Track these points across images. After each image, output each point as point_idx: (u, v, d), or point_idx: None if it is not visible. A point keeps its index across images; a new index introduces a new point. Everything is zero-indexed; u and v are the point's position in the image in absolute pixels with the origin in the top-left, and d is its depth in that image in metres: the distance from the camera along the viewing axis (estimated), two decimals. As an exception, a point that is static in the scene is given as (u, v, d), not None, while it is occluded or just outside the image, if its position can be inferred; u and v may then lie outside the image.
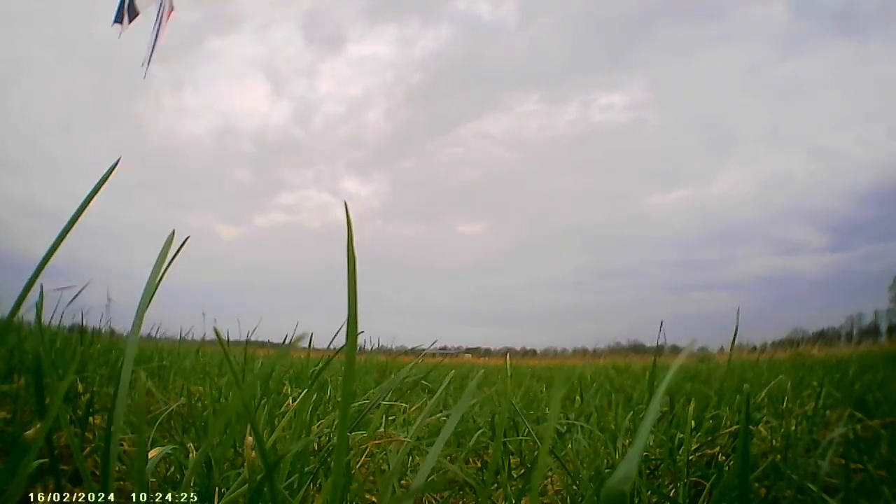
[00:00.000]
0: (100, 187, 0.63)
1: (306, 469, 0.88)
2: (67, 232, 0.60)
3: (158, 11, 7.29)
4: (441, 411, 1.54)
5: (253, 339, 2.15)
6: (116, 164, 0.65)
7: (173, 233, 0.72)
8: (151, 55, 7.25)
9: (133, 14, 7.21)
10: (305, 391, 1.13)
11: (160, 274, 0.69)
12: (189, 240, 0.74)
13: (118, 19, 7.23)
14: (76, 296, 1.72)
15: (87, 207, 0.62)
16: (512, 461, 1.30)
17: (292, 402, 1.35)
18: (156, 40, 7.21)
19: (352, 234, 0.49)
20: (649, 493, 1.00)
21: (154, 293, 0.70)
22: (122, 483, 1.00)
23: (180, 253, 0.74)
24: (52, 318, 2.02)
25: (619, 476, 0.32)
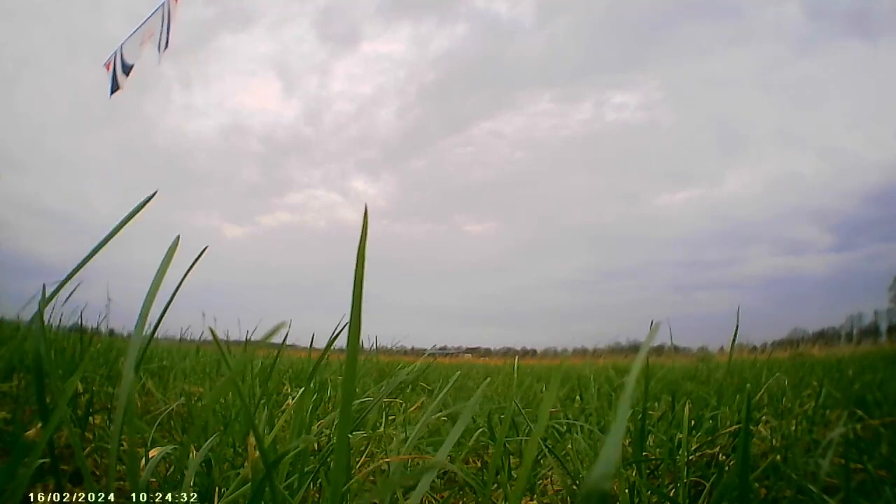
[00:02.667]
0: (130, 218, 0.65)
1: (306, 469, 0.88)
2: (96, 252, 0.61)
3: (162, 5, 7.08)
4: (441, 411, 1.54)
5: (253, 339, 2.15)
6: (152, 196, 0.67)
7: (178, 238, 0.72)
8: (167, 41, 6.98)
9: (128, 70, 7.04)
10: (305, 390, 1.12)
11: (161, 279, 0.69)
12: (192, 240, 0.74)
13: (115, 89, 7.08)
14: (70, 295, 1.73)
15: (118, 232, 0.63)
16: (512, 461, 1.30)
17: (292, 402, 1.35)
18: (169, 27, 6.94)
19: (366, 236, 0.47)
20: (649, 493, 1.00)
21: (154, 299, 0.70)
22: (122, 483, 1.00)
23: (182, 253, 0.74)
24: (51, 317, 2.02)
25: (597, 473, 0.28)
